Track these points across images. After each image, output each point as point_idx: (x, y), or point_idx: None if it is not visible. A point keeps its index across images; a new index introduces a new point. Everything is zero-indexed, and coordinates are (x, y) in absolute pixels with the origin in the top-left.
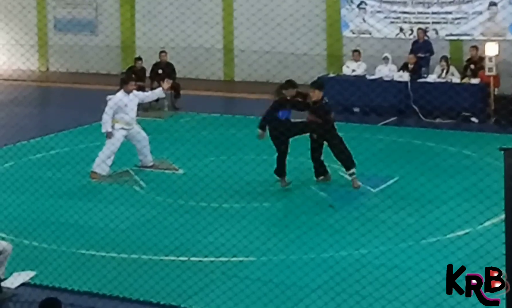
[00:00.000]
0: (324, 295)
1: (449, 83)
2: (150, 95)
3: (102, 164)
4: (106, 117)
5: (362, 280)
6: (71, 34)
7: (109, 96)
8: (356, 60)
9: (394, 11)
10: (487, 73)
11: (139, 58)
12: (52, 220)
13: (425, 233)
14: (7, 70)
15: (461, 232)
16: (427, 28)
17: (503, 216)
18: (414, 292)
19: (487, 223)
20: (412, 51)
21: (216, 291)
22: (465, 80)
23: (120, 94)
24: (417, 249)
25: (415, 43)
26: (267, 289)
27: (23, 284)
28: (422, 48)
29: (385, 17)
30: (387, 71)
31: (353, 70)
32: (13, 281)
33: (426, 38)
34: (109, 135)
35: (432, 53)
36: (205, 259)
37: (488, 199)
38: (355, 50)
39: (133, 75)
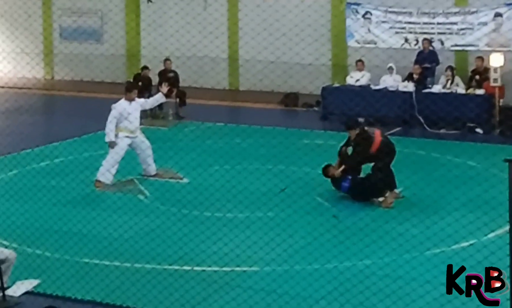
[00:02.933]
0: (328, 306)
1: (454, 93)
2: (151, 101)
3: (106, 173)
4: (110, 127)
5: (366, 291)
6: (76, 43)
7: (114, 105)
8: (360, 70)
9: (399, 22)
10: (492, 84)
11: (146, 67)
12: (55, 229)
13: (429, 244)
14: (13, 78)
15: (466, 243)
16: (432, 38)
17: (507, 228)
18: (419, 303)
19: (491, 235)
20: (417, 62)
21: (220, 301)
22: (470, 90)
23: (123, 102)
24: (421, 260)
25: (420, 53)
26: (271, 300)
27: (26, 293)
28: (427, 58)
29: (390, 27)
30: (392, 81)
31: (357, 80)
32: (17, 290)
33: (431, 48)
34: (112, 145)
35: (437, 63)
36: (209, 268)
37: (493, 210)
38: (359, 60)
39: (140, 83)
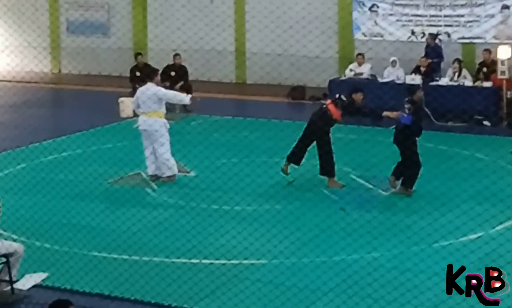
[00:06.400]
0: (336, 298)
1: (461, 86)
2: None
3: (170, 164)
4: (178, 95)
5: (374, 283)
6: (83, 36)
7: (159, 88)
8: (360, 64)
9: (406, 14)
10: (499, 76)
11: (139, 53)
12: (64, 222)
13: (437, 236)
14: (20, 72)
15: (474, 236)
16: (439, 31)
17: None
18: (427, 295)
19: (499, 227)
20: (426, 55)
21: (228, 293)
22: (478, 83)
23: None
24: (429, 252)
25: (426, 47)
26: (279, 292)
27: (35, 286)
28: (431, 53)
29: (397, 20)
30: (396, 75)
31: (356, 74)
32: (25, 283)
33: (438, 42)
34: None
35: (442, 58)
36: (217, 261)
37: (501, 202)
38: (359, 54)
39: (138, 73)
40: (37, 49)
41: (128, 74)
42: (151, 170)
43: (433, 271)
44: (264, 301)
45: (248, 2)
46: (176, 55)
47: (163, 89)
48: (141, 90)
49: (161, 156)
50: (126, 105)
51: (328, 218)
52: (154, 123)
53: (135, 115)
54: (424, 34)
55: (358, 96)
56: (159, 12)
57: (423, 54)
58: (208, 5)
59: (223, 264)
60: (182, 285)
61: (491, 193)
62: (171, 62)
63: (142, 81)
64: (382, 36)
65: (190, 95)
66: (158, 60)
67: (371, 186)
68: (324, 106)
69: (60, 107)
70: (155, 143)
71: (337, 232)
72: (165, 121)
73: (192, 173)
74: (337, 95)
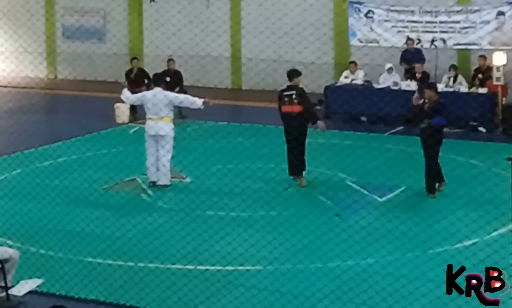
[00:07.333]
0: (330, 305)
1: (457, 92)
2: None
3: (168, 173)
4: (187, 95)
5: (369, 290)
6: (79, 42)
7: (169, 92)
8: (352, 72)
9: (402, 20)
10: (494, 82)
11: (135, 58)
12: (59, 228)
13: (432, 243)
14: (16, 77)
15: (469, 242)
16: (434, 37)
17: (510, 226)
18: (422, 302)
19: (494, 233)
20: (404, 60)
21: (223, 300)
22: (473, 89)
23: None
24: (424, 259)
25: (406, 52)
26: (274, 299)
27: (30, 292)
28: (414, 57)
29: (393, 26)
30: (392, 81)
31: (352, 79)
32: (20, 289)
33: (419, 46)
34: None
35: (424, 61)
36: (212, 267)
37: (496, 209)
38: (351, 62)
39: (132, 77)
40: (33, 54)
41: (123, 80)
42: (152, 177)
43: (428, 278)
44: (259, 307)
45: (244, 8)
46: (170, 60)
47: (172, 93)
48: (148, 95)
49: (161, 161)
50: (122, 111)
51: (323, 225)
52: (164, 128)
53: (131, 121)
54: (419, 40)
55: (299, 79)
56: (155, 18)
57: (421, 60)
58: (204, 11)
59: (218, 270)
60: (177, 291)
61: (486, 200)
62: (166, 68)
63: (138, 86)
64: (377, 42)
65: (203, 99)
66: (154, 66)
67: (366, 192)
68: (285, 112)
69: (56, 113)
70: (161, 148)
71: (332, 239)
72: (173, 126)
73: (188, 179)
74: (285, 96)
